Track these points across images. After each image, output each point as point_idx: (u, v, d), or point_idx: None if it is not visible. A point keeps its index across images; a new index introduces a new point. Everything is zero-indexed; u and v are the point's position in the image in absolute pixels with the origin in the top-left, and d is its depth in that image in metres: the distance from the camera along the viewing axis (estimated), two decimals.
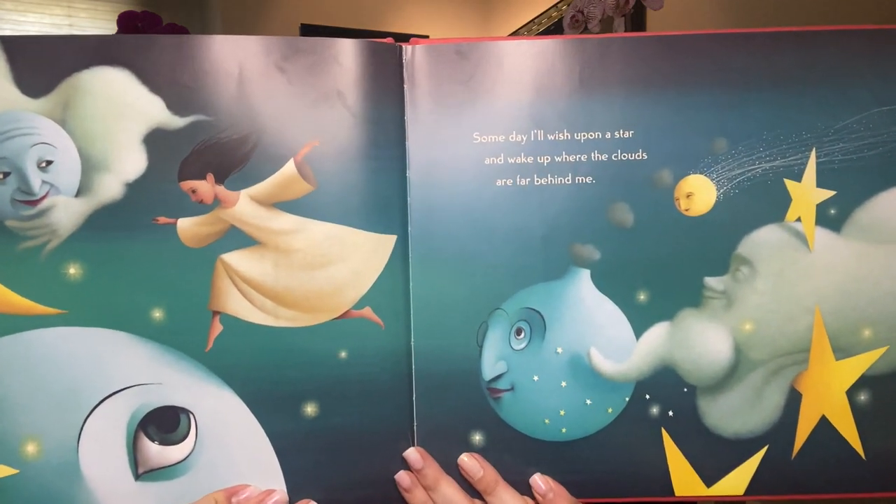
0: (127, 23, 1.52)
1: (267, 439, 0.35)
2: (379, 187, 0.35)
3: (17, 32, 2.24)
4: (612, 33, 0.32)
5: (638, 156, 0.35)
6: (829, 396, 0.36)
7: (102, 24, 2.46)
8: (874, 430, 0.36)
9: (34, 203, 0.33)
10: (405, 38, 0.38)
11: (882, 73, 0.36)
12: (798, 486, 0.37)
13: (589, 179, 0.35)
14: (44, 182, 0.33)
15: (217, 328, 0.35)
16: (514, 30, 1.38)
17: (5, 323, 0.33)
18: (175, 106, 0.34)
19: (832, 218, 0.36)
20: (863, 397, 0.36)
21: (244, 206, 0.34)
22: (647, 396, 0.36)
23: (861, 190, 0.36)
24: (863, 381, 0.36)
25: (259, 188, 0.34)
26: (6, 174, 0.33)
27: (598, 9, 1.20)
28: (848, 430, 0.36)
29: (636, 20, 2.40)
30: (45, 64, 0.33)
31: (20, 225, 0.33)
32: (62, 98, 0.33)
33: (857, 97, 0.36)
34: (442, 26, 3.08)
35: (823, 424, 0.36)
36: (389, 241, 0.35)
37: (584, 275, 0.36)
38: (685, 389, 0.36)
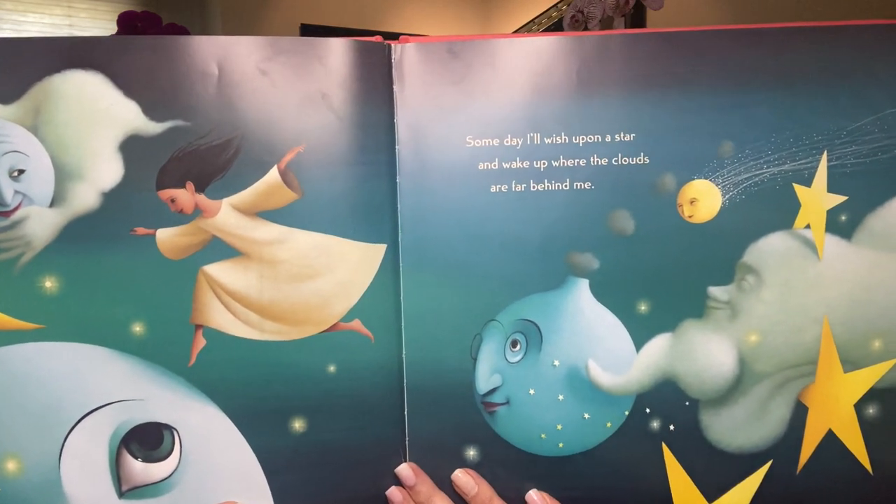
0: (127, 23, 1.43)
1: (254, 456, 0.34)
2: (367, 194, 0.33)
3: (17, 33, 2.28)
4: (611, 30, 0.31)
5: (639, 160, 0.34)
6: (836, 410, 0.35)
7: (102, 24, 2.47)
8: (883, 445, 0.35)
9: (6, 214, 0.32)
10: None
11: (886, 68, 0.34)
12: (803, 503, 0.35)
13: (588, 185, 0.34)
14: (16, 192, 0.32)
15: (200, 342, 0.33)
16: (513, 30, 1.36)
17: None
18: (152, 111, 0.32)
19: (843, 225, 0.34)
20: (871, 411, 0.35)
21: (226, 215, 0.33)
22: (648, 410, 0.35)
23: (874, 195, 0.34)
24: (871, 395, 0.35)
25: (241, 197, 0.33)
26: None
27: (598, 9, 1.20)
28: (855, 444, 0.35)
29: (636, 20, 2.41)
30: (14, 67, 0.31)
31: None
32: (33, 104, 0.31)
33: (872, 97, 0.34)
34: (441, 26, 3.10)
35: (830, 439, 0.35)
36: (379, 250, 0.34)
37: (583, 285, 0.34)
38: (687, 403, 0.35)
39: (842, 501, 0.35)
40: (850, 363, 0.35)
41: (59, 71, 0.32)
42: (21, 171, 0.32)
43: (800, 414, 0.35)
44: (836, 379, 0.35)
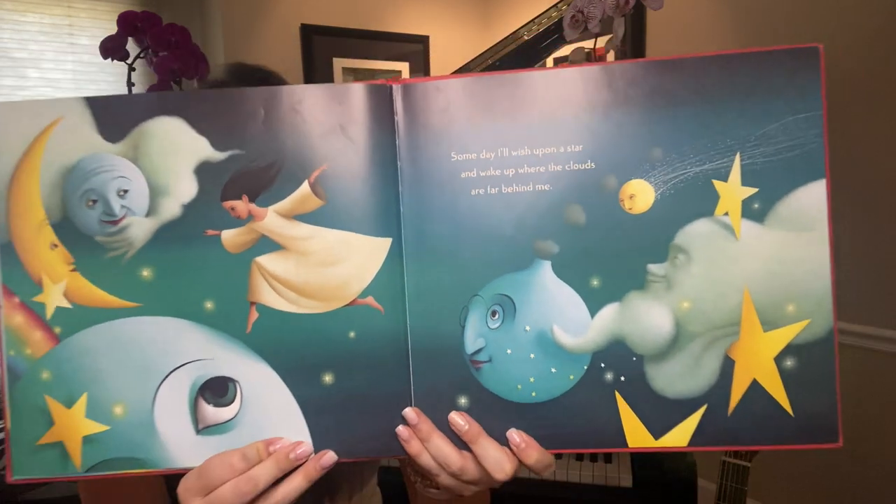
0: (127, 23, 1.52)
1: (295, 402, 0.44)
2: (376, 200, 0.44)
3: (17, 32, 2.30)
4: (564, 64, 0.37)
5: (587, 166, 0.43)
6: (758, 363, 0.42)
7: (102, 24, 2.46)
8: (800, 391, 0.42)
9: (115, 223, 0.44)
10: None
11: (797, 86, 0.42)
12: (734, 440, 0.43)
13: (547, 187, 0.43)
14: (122, 206, 0.44)
15: (254, 315, 0.44)
16: (513, 30, 1.42)
17: (98, 315, 0.44)
18: (217, 144, 0.43)
19: (756, 211, 0.42)
20: (789, 363, 0.42)
21: (271, 219, 0.44)
22: (602, 365, 0.43)
23: (782, 186, 0.42)
24: (788, 350, 0.42)
25: (282, 204, 0.44)
26: (94, 201, 0.44)
27: (598, 9, 1.22)
28: (777, 391, 0.43)
29: (636, 20, 2.44)
30: (119, 117, 0.44)
31: (106, 240, 0.44)
32: (133, 142, 0.43)
33: (775, 108, 0.42)
34: (441, 26, 3.09)
35: (755, 387, 0.43)
36: (386, 243, 0.44)
37: (546, 265, 0.43)
38: (634, 358, 0.43)
39: (767, 438, 0.43)
40: (769, 324, 0.42)
41: (151, 117, 0.43)
42: (125, 191, 0.44)
43: (728, 366, 0.43)
44: (757, 337, 0.42)
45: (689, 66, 0.42)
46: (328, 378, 0.44)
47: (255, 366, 0.44)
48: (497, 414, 0.44)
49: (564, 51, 2.23)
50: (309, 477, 0.43)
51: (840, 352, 0.42)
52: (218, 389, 0.44)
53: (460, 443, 0.44)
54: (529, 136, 0.43)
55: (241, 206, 0.44)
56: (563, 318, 0.43)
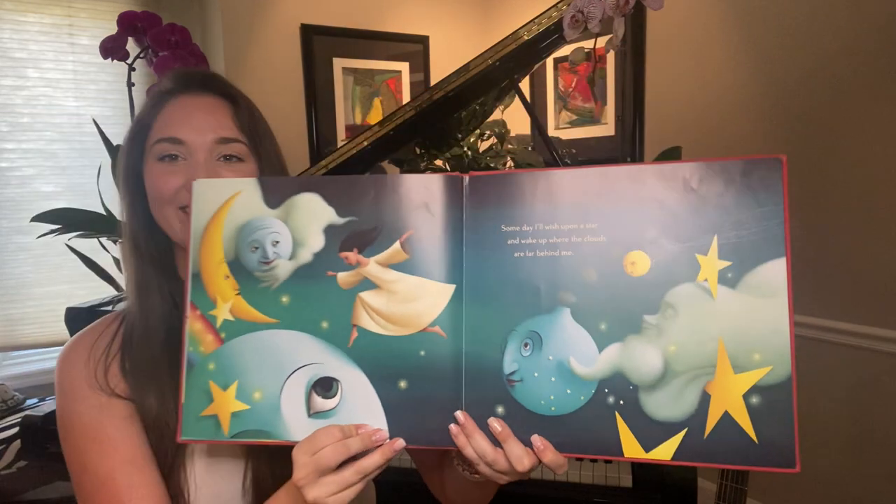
0: (127, 23, 1.54)
1: (378, 400, 0.61)
2: (446, 257, 0.61)
3: (17, 32, 2.33)
4: (583, 166, 0.48)
5: (599, 239, 0.58)
6: (730, 398, 0.54)
7: (102, 24, 2.45)
8: (763, 423, 0.54)
9: (268, 263, 0.64)
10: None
11: (764, 186, 0.55)
12: (710, 458, 0.55)
13: (569, 253, 0.58)
14: (274, 252, 0.64)
15: (354, 334, 0.62)
16: (513, 30, 1.44)
17: (251, 326, 0.63)
18: (340, 212, 0.63)
19: (730, 279, 0.55)
20: (755, 400, 0.54)
21: (372, 266, 0.62)
22: (606, 390, 0.57)
23: (750, 261, 0.55)
24: (754, 389, 0.54)
25: (380, 256, 0.62)
26: (256, 248, 0.64)
27: (598, 9, 1.19)
28: (744, 422, 0.54)
29: (636, 20, 2.42)
30: (278, 192, 0.64)
31: (261, 275, 0.64)
32: (286, 208, 0.64)
33: (746, 202, 0.55)
34: (441, 26, 3.07)
35: (726, 417, 0.54)
36: (451, 288, 0.61)
37: (566, 311, 0.58)
38: (631, 387, 0.56)
39: (737, 459, 0.54)
40: (739, 368, 0.54)
41: (299, 193, 0.64)
42: (277, 242, 0.64)
43: (705, 399, 0.55)
44: (729, 377, 0.55)
45: (680, 169, 0.57)
46: (403, 384, 0.61)
47: (353, 371, 0.62)
48: (524, 421, 0.59)
49: (564, 51, 2.24)
50: (385, 456, 0.59)
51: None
52: (326, 386, 0.62)
53: (495, 441, 0.59)
54: (558, 216, 0.59)
55: (352, 256, 0.62)
56: (578, 352, 0.58)
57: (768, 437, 0.54)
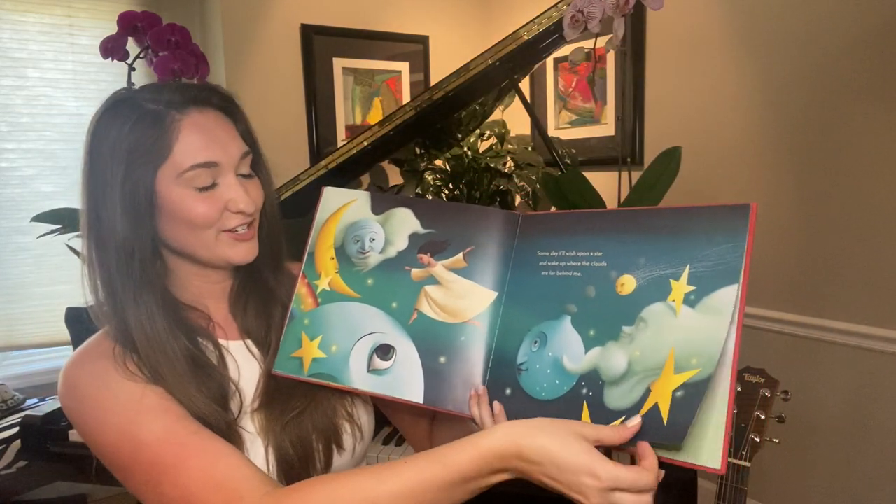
0: (127, 23, 1.55)
1: (421, 369, 0.79)
2: (496, 270, 0.80)
3: (17, 32, 2.33)
4: (602, 208, 0.58)
5: (601, 264, 0.75)
6: (663, 393, 0.66)
7: (102, 24, 2.44)
8: (676, 410, 0.64)
9: (364, 254, 0.85)
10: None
11: (733, 227, 0.68)
12: (640, 432, 0.68)
13: (578, 274, 0.76)
14: (369, 246, 0.85)
15: (415, 315, 0.81)
16: (513, 30, 1.44)
17: (340, 297, 0.84)
18: (424, 224, 0.84)
19: (692, 301, 0.69)
20: (679, 393, 0.65)
21: (438, 269, 0.82)
22: (583, 384, 0.72)
23: (710, 287, 0.68)
24: (682, 386, 0.64)
25: (446, 262, 0.82)
26: (357, 241, 0.86)
27: (598, 9, 1.21)
28: (665, 410, 0.64)
29: (636, 20, 2.43)
30: (383, 204, 0.87)
31: (356, 261, 0.85)
32: (386, 216, 0.86)
33: (717, 240, 0.69)
34: (441, 26, 3.05)
35: (654, 407, 0.65)
36: (494, 294, 0.80)
37: (568, 319, 0.75)
38: (600, 382, 0.71)
39: (646, 437, 0.65)
40: (679, 369, 0.66)
41: (397, 207, 0.86)
42: (373, 239, 0.86)
43: (646, 394, 0.66)
44: (669, 377, 0.67)
45: (666, 213, 0.74)
46: (442, 360, 0.79)
47: (407, 343, 0.81)
48: (521, 402, 0.75)
49: (564, 51, 2.30)
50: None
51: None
52: (385, 351, 0.81)
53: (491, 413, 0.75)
54: (574, 245, 0.77)
55: (426, 258, 0.83)
56: (570, 351, 0.74)
57: (673, 419, 0.64)
